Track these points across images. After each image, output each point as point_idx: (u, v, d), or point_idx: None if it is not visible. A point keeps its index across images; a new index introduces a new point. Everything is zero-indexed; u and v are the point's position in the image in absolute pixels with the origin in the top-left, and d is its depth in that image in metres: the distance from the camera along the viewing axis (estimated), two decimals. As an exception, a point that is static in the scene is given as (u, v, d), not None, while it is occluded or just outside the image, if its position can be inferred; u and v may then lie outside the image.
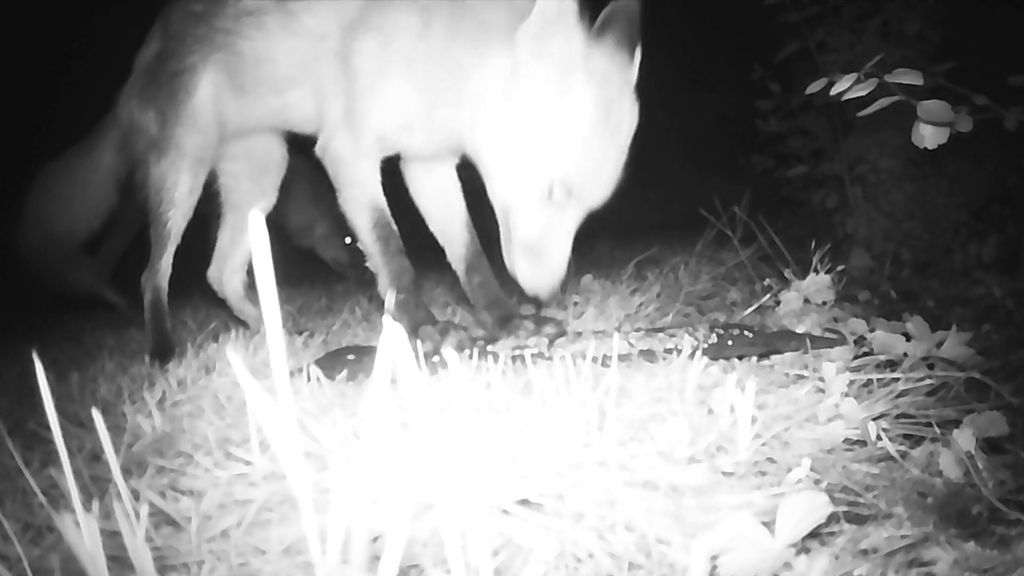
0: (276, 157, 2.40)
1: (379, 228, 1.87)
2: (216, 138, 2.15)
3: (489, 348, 1.68)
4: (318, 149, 1.92)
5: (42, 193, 2.47)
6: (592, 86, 1.61)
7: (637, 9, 1.66)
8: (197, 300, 2.84)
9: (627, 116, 1.68)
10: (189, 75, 2.06)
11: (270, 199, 2.43)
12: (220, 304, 2.61)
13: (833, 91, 1.56)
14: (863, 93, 1.53)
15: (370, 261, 1.90)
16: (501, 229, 1.78)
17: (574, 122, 1.61)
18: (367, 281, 2.03)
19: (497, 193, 1.74)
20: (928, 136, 1.55)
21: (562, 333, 1.79)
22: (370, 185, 1.89)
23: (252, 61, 2.01)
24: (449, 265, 2.13)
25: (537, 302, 1.87)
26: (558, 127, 1.62)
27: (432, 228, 2.11)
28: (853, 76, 1.55)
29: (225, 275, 2.40)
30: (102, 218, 2.45)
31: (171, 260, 2.16)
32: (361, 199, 1.88)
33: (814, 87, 1.67)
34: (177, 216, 2.12)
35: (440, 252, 2.13)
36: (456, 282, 2.79)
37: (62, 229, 2.46)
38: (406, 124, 1.83)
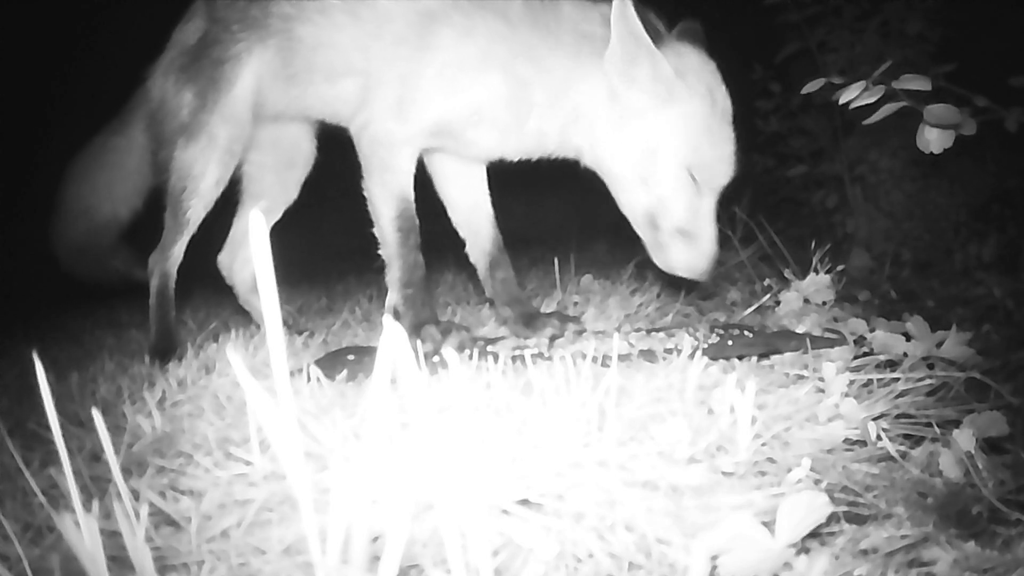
0: (304, 152, 2.35)
1: (402, 220, 1.86)
2: (250, 131, 2.10)
3: (489, 348, 1.68)
4: (354, 128, 1.89)
5: (79, 183, 2.34)
6: (692, 86, 1.73)
7: (701, 29, 1.90)
8: (197, 300, 2.84)
9: (725, 97, 1.80)
10: (232, 65, 2.00)
11: (291, 194, 2.37)
12: (220, 304, 2.60)
13: (842, 100, 1.57)
14: (871, 100, 1.53)
15: (384, 251, 1.88)
16: (642, 230, 1.84)
17: (689, 122, 1.74)
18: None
19: (635, 198, 1.80)
20: (934, 140, 1.55)
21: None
22: (404, 174, 1.87)
23: (310, 47, 1.96)
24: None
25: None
26: (678, 129, 1.74)
27: (455, 219, 2.09)
28: (861, 84, 1.55)
29: (237, 263, 2.37)
30: (143, 197, 2.34)
31: (184, 248, 2.11)
32: (392, 187, 1.86)
33: (811, 87, 1.69)
34: (199, 206, 2.07)
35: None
36: (456, 282, 2.80)
37: (106, 216, 2.33)
38: (478, 120, 1.83)
